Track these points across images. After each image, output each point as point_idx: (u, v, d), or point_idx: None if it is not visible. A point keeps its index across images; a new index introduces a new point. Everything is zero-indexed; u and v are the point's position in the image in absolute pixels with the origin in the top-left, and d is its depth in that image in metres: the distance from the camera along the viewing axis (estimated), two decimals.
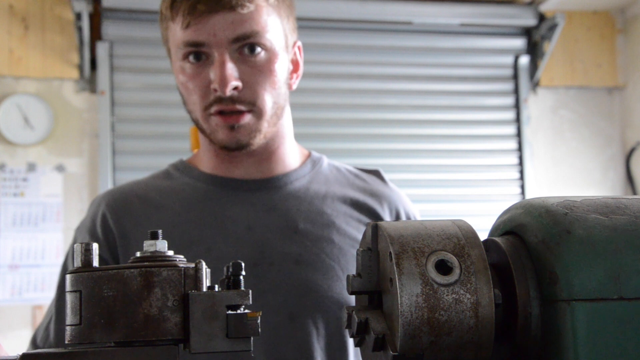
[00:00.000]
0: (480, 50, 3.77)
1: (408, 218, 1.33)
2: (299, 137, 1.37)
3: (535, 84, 3.79)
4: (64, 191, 3.36)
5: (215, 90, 1.17)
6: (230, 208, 1.24)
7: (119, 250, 1.22)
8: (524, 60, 3.76)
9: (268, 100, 1.20)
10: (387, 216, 1.30)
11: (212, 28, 1.16)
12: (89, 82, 3.41)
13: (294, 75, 1.30)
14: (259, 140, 1.22)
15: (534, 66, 3.78)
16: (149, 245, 0.63)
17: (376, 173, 1.39)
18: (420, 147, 3.67)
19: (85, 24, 3.25)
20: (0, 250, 3.27)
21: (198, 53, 1.18)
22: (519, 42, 3.79)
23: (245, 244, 1.20)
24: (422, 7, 3.65)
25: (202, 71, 1.19)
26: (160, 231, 0.64)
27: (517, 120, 3.76)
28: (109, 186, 3.31)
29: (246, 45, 1.17)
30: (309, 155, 1.36)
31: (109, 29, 3.37)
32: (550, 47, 3.68)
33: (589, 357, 0.55)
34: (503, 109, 3.77)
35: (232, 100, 1.17)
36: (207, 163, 1.30)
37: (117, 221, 1.24)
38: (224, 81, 1.15)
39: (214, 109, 1.19)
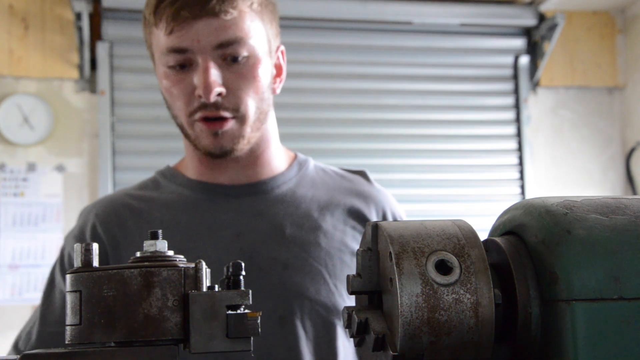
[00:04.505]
0: (480, 50, 3.77)
1: (394, 218, 1.33)
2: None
3: (535, 84, 3.79)
4: (64, 191, 3.36)
5: (200, 97, 1.17)
6: (218, 215, 1.25)
7: (109, 260, 1.22)
8: (524, 60, 3.76)
9: (251, 106, 1.20)
10: (373, 217, 1.30)
11: (195, 34, 1.16)
12: (89, 82, 3.41)
13: (277, 80, 1.30)
14: (242, 146, 1.22)
15: (534, 66, 3.78)
16: (149, 245, 0.63)
17: (362, 173, 1.39)
18: (421, 147, 3.67)
19: (85, 24, 3.25)
20: (0, 250, 3.27)
21: (182, 59, 1.18)
22: (519, 42, 3.78)
23: (234, 250, 1.21)
24: (422, 7, 3.65)
25: (186, 77, 1.19)
26: (160, 231, 0.64)
27: (517, 120, 3.76)
28: (109, 186, 3.31)
29: (229, 51, 1.17)
30: (295, 158, 1.36)
31: (109, 29, 3.37)
32: (550, 47, 3.68)
33: (589, 357, 0.55)
34: (503, 109, 3.77)
35: (216, 106, 1.18)
36: (192, 169, 1.30)
37: (107, 231, 1.25)
38: (208, 87, 1.15)
39: (198, 115, 1.19)
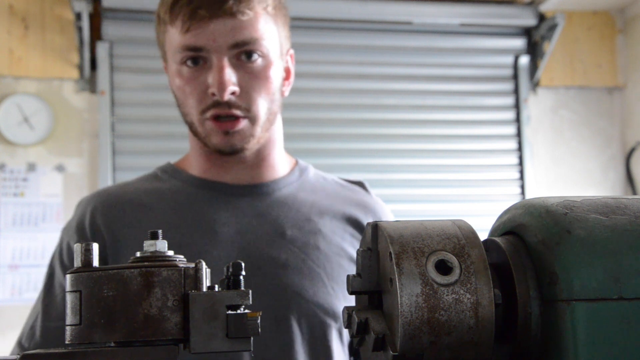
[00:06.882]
0: (480, 50, 3.77)
1: None
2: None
3: (535, 84, 3.79)
4: (64, 191, 3.36)
5: (213, 95, 1.19)
6: (219, 212, 1.25)
7: (108, 252, 1.22)
8: (524, 60, 3.76)
9: (263, 106, 1.22)
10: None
11: (212, 33, 1.18)
12: (89, 82, 3.41)
13: (286, 83, 1.32)
14: (252, 145, 1.24)
15: (534, 66, 3.78)
16: (149, 245, 0.63)
17: (360, 184, 1.41)
18: (420, 147, 3.67)
19: (85, 24, 3.25)
20: (0, 250, 3.27)
21: (196, 57, 1.20)
22: (519, 42, 3.78)
23: (233, 249, 1.21)
24: (422, 7, 3.65)
25: (199, 75, 1.20)
26: (160, 231, 0.64)
27: (517, 120, 3.76)
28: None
29: (244, 51, 1.20)
30: (296, 164, 1.38)
31: (109, 29, 3.37)
32: (550, 47, 3.68)
33: (589, 357, 0.55)
34: (503, 109, 3.77)
35: (229, 105, 1.19)
36: (197, 166, 1.31)
37: (106, 223, 1.24)
38: (222, 86, 1.17)
39: (210, 113, 1.21)
